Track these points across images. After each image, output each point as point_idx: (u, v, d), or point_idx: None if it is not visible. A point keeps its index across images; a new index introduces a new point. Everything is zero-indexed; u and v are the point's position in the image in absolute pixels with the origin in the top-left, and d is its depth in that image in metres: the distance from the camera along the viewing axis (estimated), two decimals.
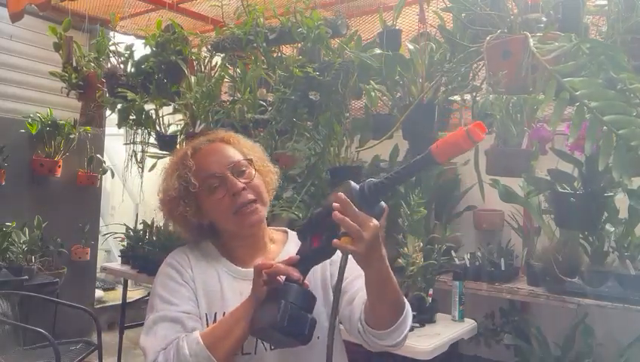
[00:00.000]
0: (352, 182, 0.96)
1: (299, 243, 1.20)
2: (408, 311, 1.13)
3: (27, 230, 3.72)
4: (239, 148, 1.24)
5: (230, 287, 1.18)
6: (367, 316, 1.10)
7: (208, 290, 1.17)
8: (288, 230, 1.35)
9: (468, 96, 2.29)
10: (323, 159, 2.51)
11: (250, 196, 1.17)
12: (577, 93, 1.18)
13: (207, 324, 1.13)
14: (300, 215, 2.44)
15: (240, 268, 1.21)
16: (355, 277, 1.17)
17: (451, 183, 3.63)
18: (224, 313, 1.13)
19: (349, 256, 0.97)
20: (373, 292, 1.05)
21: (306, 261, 1.04)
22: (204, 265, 1.21)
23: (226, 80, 2.90)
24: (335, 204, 0.94)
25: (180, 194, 1.18)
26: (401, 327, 1.09)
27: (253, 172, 1.20)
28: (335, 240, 0.95)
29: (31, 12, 3.50)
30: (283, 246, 1.28)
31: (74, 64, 3.38)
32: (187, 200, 1.18)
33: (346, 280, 1.16)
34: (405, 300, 1.12)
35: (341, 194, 0.94)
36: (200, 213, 1.20)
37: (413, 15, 2.96)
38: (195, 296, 1.16)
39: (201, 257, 1.22)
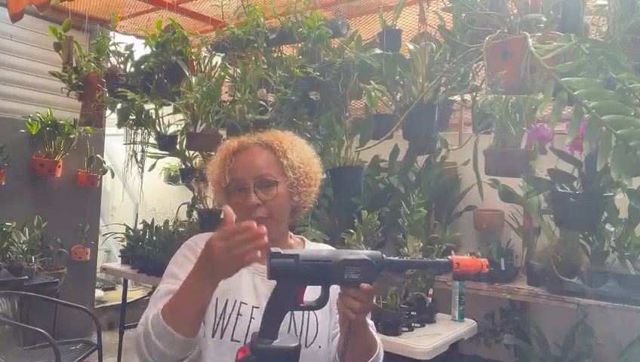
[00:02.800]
0: (373, 260, 1.02)
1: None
2: (379, 354, 1.20)
3: (27, 230, 3.72)
4: (280, 161, 1.25)
5: (246, 280, 1.21)
6: (341, 354, 1.19)
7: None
8: (305, 238, 1.38)
9: (468, 96, 2.29)
10: (323, 159, 2.51)
11: (262, 213, 1.20)
12: (576, 92, 1.18)
13: (216, 307, 1.17)
14: (300, 216, 2.44)
15: (257, 264, 1.21)
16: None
17: (451, 183, 3.63)
18: (235, 301, 1.17)
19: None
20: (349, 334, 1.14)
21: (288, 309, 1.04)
22: None
23: (226, 80, 2.90)
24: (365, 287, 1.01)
25: (217, 183, 1.29)
26: None
27: (277, 191, 1.22)
28: (348, 313, 1.03)
29: (31, 12, 3.50)
30: None
31: (74, 64, 3.38)
32: (221, 192, 1.30)
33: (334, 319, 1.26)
34: (378, 342, 1.20)
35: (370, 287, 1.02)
36: (227, 203, 1.27)
37: (413, 15, 2.96)
38: None
39: None
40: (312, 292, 1.02)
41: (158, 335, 1.03)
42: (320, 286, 1.02)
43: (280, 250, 0.99)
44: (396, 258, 1.06)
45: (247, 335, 1.14)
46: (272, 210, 1.22)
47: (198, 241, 1.26)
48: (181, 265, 1.19)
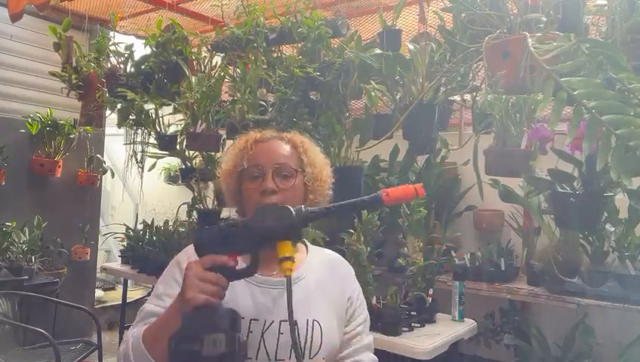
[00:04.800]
0: (292, 208, 0.97)
1: (319, 255, 1.28)
2: None
3: (27, 230, 3.72)
4: (299, 157, 1.25)
5: (242, 292, 1.16)
6: None
7: None
8: (307, 241, 1.35)
9: (468, 96, 2.29)
10: None
11: (275, 201, 1.17)
12: (575, 92, 1.18)
13: None
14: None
15: (256, 274, 1.17)
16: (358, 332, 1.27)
17: (451, 183, 3.63)
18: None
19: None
20: None
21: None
22: None
23: (226, 80, 2.90)
24: None
25: (232, 168, 1.25)
26: None
27: (294, 182, 1.21)
28: None
29: (31, 12, 3.50)
30: (304, 256, 1.28)
31: (74, 64, 3.38)
32: (233, 177, 1.25)
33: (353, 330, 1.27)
34: None
35: None
36: (238, 193, 1.26)
37: (413, 15, 2.96)
38: None
39: None
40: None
41: (137, 358, 1.03)
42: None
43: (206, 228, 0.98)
44: (317, 208, 1.02)
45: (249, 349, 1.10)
46: (287, 200, 1.17)
47: (190, 251, 1.20)
48: (166, 285, 1.18)
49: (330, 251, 1.38)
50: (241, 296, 1.15)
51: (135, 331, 1.10)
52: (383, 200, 0.99)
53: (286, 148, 1.24)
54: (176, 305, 0.99)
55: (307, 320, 1.16)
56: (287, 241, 0.96)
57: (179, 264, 1.20)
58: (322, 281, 1.25)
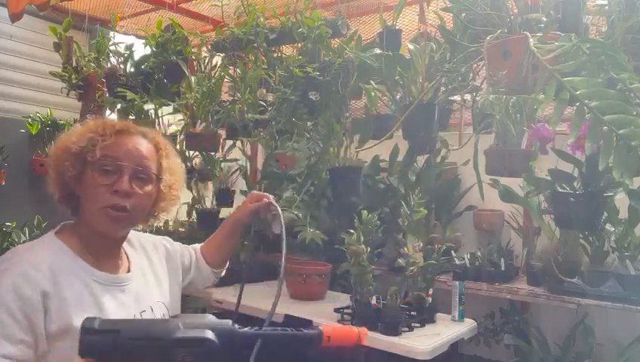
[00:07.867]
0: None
1: (130, 249, 1.25)
2: None
3: (27, 230, 3.72)
4: (159, 161, 1.18)
5: (106, 297, 1.08)
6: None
7: (80, 302, 1.04)
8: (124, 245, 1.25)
9: (468, 96, 2.29)
10: (323, 159, 2.51)
11: (126, 204, 1.09)
12: (577, 92, 1.18)
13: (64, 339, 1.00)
14: (300, 214, 2.44)
15: (106, 273, 1.12)
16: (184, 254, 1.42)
17: (451, 183, 3.63)
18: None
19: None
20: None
21: None
22: (65, 274, 1.06)
23: (226, 80, 2.90)
24: None
25: (77, 152, 1.12)
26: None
27: (150, 189, 1.14)
28: None
29: (31, 12, 3.49)
30: (125, 259, 1.23)
31: (74, 64, 3.38)
32: (77, 162, 1.13)
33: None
34: None
35: None
36: (77, 181, 1.14)
37: (413, 15, 2.96)
38: (32, 334, 0.98)
39: (61, 266, 1.07)
40: None
41: None
42: None
43: (96, 322, 0.78)
44: (253, 329, 0.80)
45: None
46: (138, 205, 1.11)
47: (30, 270, 1.02)
48: (5, 325, 0.95)
49: (132, 234, 1.28)
50: (107, 303, 1.07)
51: None
52: (322, 341, 0.83)
53: (149, 149, 1.16)
54: None
55: (155, 305, 1.18)
56: None
57: (19, 289, 0.99)
58: (146, 266, 1.25)
